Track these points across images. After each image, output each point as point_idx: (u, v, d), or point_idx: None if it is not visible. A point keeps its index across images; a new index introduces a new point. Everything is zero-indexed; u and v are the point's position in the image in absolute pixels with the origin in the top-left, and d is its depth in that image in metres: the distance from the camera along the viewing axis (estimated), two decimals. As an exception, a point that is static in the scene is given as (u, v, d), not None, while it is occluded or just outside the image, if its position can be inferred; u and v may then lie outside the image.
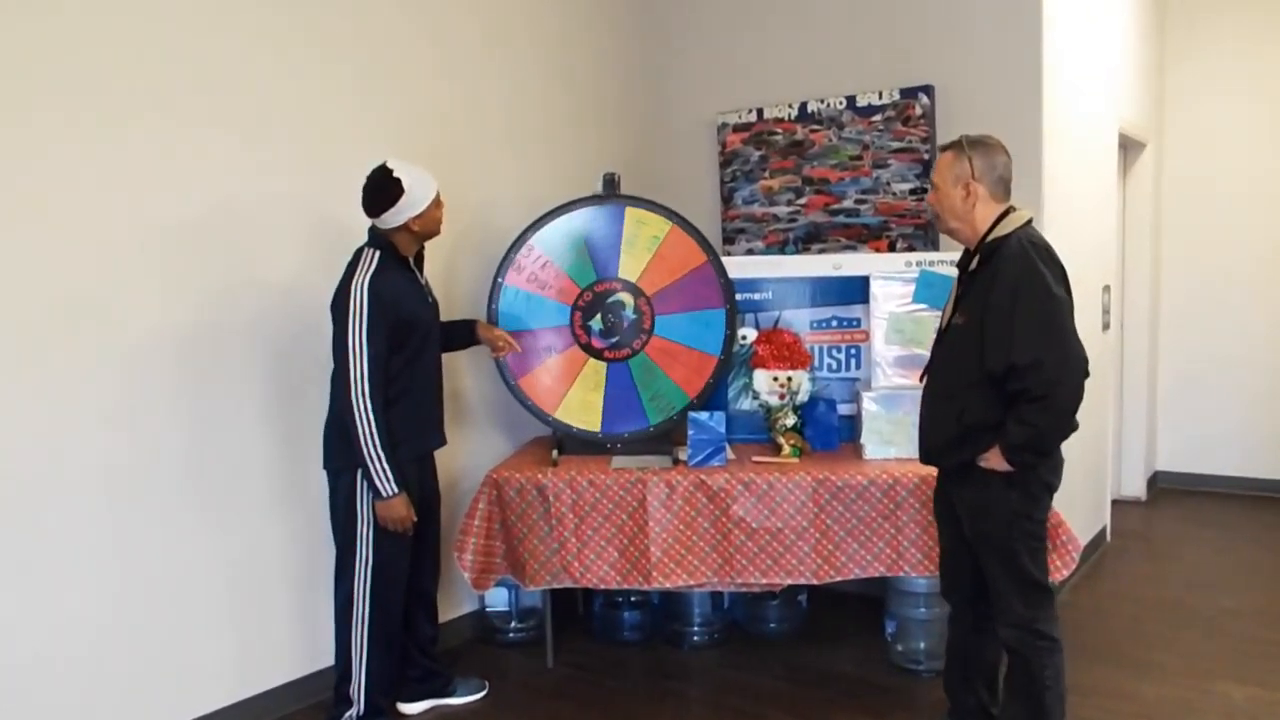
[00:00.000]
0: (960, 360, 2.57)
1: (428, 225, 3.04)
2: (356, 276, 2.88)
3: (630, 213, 3.69)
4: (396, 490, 2.89)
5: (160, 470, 2.97)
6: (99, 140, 2.80)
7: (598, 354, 3.70)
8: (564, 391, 3.69)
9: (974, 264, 2.58)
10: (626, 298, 3.70)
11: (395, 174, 2.92)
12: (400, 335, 2.94)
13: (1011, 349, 2.40)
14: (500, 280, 3.65)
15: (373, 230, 3.01)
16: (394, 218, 2.94)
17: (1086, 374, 2.45)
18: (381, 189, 2.92)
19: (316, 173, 3.34)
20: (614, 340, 3.70)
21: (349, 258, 2.99)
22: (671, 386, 3.68)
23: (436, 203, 3.03)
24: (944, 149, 2.66)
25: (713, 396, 3.73)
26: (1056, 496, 2.64)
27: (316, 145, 3.35)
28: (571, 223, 3.69)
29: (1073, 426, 2.48)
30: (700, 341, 3.67)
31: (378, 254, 2.95)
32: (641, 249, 3.69)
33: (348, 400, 2.84)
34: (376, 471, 2.86)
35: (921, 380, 2.81)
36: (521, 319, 3.66)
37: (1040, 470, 2.53)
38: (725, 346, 3.66)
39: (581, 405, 3.70)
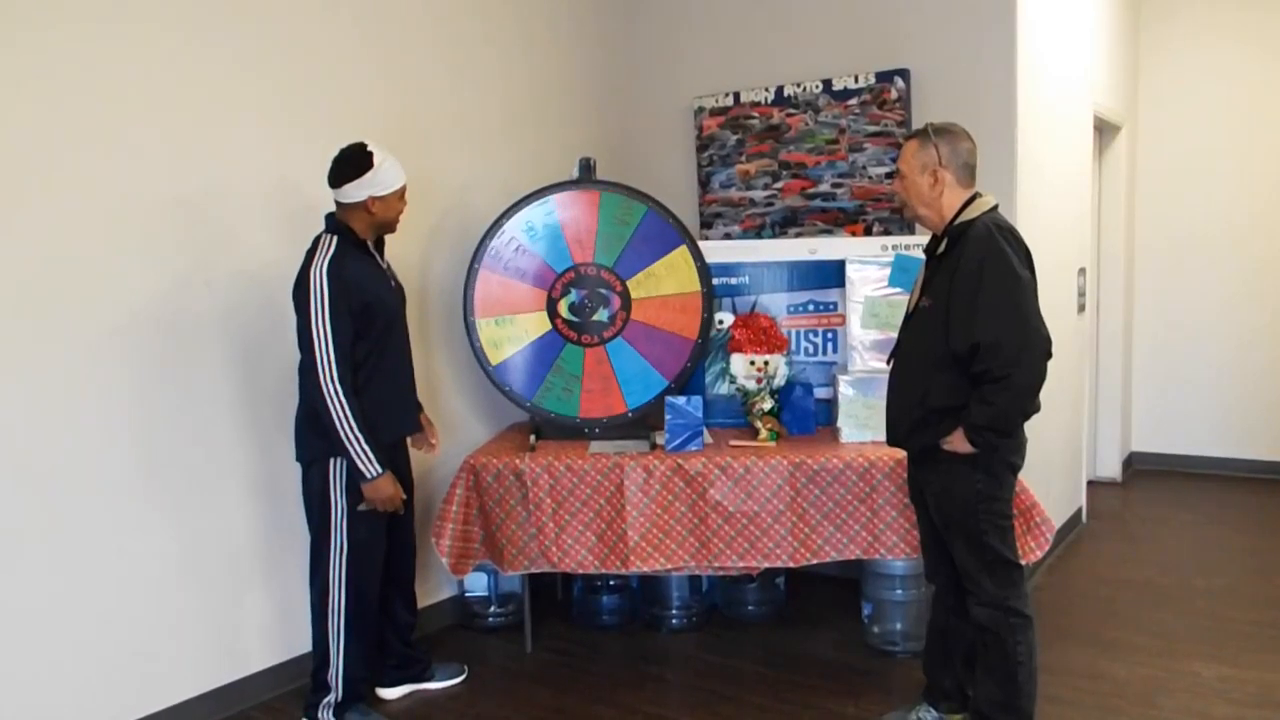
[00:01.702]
0: (925, 343, 2.59)
1: (387, 212, 3.00)
2: (315, 261, 2.84)
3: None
4: (381, 470, 2.88)
5: (130, 458, 2.95)
6: (71, 128, 2.76)
7: (596, 342, 3.71)
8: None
9: (941, 248, 2.61)
10: (594, 278, 3.71)
11: (369, 149, 2.92)
12: (364, 319, 2.91)
13: (974, 328, 2.43)
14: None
15: (330, 217, 2.98)
16: (357, 190, 2.91)
17: (1049, 354, 2.48)
18: (352, 158, 2.92)
19: (295, 158, 3.30)
20: (599, 319, 3.71)
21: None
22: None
23: (400, 194, 3.01)
24: (909, 137, 2.69)
25: (690, 381, 3.73)
26: (1032, 478, 2.66)
27: (295, 130, 3.32)
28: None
29: (1034, 407, 2.51)
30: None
31: (335, 239, 2.90)
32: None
33: (318, 388, 2.80)
34: (357, 454, 2.84)
35: (888, 364, 2.82)
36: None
37: (1003, 450, 2.55)
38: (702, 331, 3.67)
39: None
